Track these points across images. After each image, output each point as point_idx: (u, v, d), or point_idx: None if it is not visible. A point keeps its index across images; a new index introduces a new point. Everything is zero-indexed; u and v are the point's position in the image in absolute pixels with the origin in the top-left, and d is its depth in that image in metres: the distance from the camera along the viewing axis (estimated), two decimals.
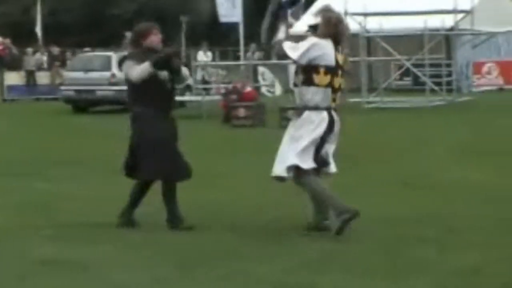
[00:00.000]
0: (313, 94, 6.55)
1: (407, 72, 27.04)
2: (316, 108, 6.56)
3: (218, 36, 40.12)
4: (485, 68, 30.09)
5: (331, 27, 6.51)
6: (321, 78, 6.56)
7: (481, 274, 5.49)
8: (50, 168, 12.28)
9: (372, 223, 7.15)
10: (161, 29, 7.34)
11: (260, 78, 28.75)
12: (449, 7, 23.74)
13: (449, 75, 24.77)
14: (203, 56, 29.76)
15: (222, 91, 21.08)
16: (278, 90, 30.13)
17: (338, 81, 6.61)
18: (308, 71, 6.60)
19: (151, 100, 6.89)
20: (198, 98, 21.58)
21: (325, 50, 6.56)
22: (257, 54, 30.94)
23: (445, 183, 10.22)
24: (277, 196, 7.66)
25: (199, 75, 27.38)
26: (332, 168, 6.77)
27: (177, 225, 6.88)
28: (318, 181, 6.57)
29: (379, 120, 19.62)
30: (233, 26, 29.56)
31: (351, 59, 22.66)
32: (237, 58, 32.23)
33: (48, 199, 9.15)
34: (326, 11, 6.75)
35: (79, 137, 17.44)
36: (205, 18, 42.33)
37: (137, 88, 6.92)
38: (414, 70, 25.36)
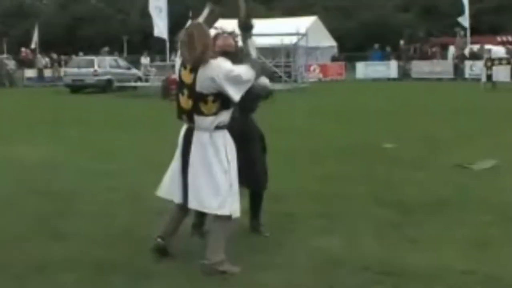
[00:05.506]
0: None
1: None
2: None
3: None
4: (312, 68, 37.38)
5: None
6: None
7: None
8: (63, 123, 14.94)
9: None
10: None
11: None
12: (293, 31, 30.46)
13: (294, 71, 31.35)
14: None
15: None
16: None
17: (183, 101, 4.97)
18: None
19: None
20: None
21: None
22: None
23: (299, 128, 12.47)
24: None
25: None
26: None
27: None
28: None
29: None
30: None
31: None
32: None
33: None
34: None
35: (75, 107, 20.71)
36: None
37: None
38: (274, 68, 30.13)
